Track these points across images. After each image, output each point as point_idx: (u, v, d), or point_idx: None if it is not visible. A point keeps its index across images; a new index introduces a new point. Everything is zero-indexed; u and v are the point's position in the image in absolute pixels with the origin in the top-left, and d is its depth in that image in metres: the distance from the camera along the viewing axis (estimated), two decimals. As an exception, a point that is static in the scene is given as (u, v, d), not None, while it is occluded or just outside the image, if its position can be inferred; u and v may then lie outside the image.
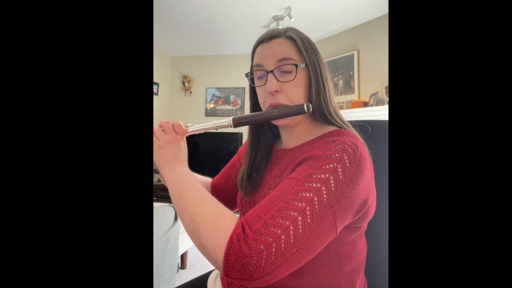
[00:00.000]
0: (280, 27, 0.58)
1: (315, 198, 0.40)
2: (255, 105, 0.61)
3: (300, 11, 2.46)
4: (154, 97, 3.53)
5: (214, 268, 0.68)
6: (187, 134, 0.55)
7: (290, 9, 2.41)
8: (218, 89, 3.63)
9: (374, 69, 2.55)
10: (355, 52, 2.69)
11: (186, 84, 3.69)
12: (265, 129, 0.62)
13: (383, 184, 0.62)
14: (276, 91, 0.52)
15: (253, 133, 0.62)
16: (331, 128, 0.53)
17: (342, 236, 0.48)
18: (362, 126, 0.60)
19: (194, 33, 3.00)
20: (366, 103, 2.49)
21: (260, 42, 0.56)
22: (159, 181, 3.17)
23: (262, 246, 0.37)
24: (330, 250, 0.48)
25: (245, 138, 3.27)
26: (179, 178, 0.47)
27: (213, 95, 3.65)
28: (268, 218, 0.39)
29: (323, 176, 0.42)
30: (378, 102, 2.38)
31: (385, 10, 2.44)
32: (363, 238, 0.55)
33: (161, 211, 1.24)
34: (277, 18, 2.58)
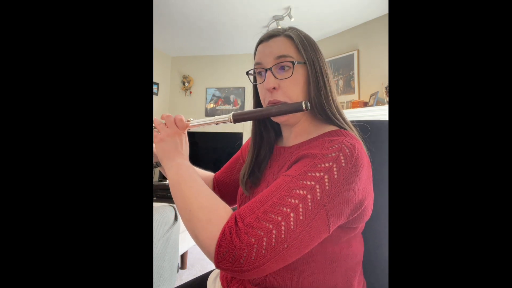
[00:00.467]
0: (280, 27, 0.59)
1: (309, 196, 0.41)
2: (257, 103, 0.62)
3: (300, 11, 2.46)
4: (154, 97, 3.53)
5: (214, 268, 0.68)
6: (189, 128, 0.56)
7: (290, 9, 2.42)
8: (218, 89, 3.63)
9: (374, 69, 2.55)
10: (355, 52, 2.69)
11: (186, 84, 3.69)
12: (267, 127, 0.63)
13: (382, 185, 0.62)
14: (274, 88, 0.53)
15: (256, 131, 0.63)
16: (331, 128, 0.53)
17: (337, 236, 0.48)
18: (362, 126, 0.60)
19: (194, 33, 3.00)
20: (366, 103, 2.49)
21: (260, 41, 0.57)
22: (159, 181, 3.18)
23: (253, 239, 0.38)
24: (325, 250, 0.48)
25: (245, 138, 3.27)
26: (178, 170, 0.49)
27: (213, 95, 3.65)
28: (260, 212, 0.40)
29: (317, 174, 0.42)
30: (378, 102, 2.38)
31: (385, 10, 2.44)
32: (360, 238, 0.56)
33: (161, 211, 1.24)
34: (277, 18, 2.58)
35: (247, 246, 0.38)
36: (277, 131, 0.65)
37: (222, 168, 0.77)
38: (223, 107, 3.61)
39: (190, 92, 3.71)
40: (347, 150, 0.43)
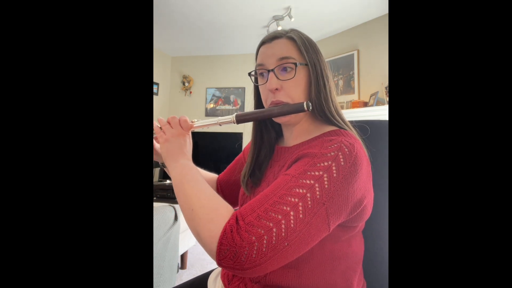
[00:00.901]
0: (279, 27, 0.60)
1: (308, 195, 0.41)
2: (258, 103, 0.63)
3: (300, 11, 2.46)
4: (154, 97, 3.53)
5: (214, 268, 0.68)
6: (193, 129, 0.57)
7: (290, 9, 2.41)
8: (218, 89, 3.63)
9: (374, 69, 2.55)
10: (355, 52, 2.69)
11: (186, 84, 3.69)
12: (268, 128, 0.64)
13: (382, 185, 0.62)
14: (276, 89, 0.54)
15: (256, 131, 0.64)
16: (331, 128, 0.54)
17: (337, 235, 0.49)
18: (362, 127, 0.60)
19: (194, 33, 3.00)
20: (366, 103, 2.49)
21: (262, 42, 0.58)
22: (159, 181, 3.18)
23: (254, 238, 0.38)
24: (325, 248, 0.49)
25: (245, 138, 3.27)
26: (182, 170, 0.50)
27: (213, 95, 3.65)
28: (261, 211, 0.41)
29: (317, 173, 0.43)
30: (378, 102, 2.38)
31: (385, 10, 2.43)
32: (360, 237, 0.56)
33: (161, 211, 1.24)
34: (277, 18, 2.58)
35: (248, 244, 0.38)
36: (278, 131, 0.65)
37: (225, 170, 0.78)
38: (223, 107, 3.61)
39: (190, 92, 3.71)
40: (346, 149, 0.44)
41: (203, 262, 1.97)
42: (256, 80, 0.60)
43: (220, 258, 0.39)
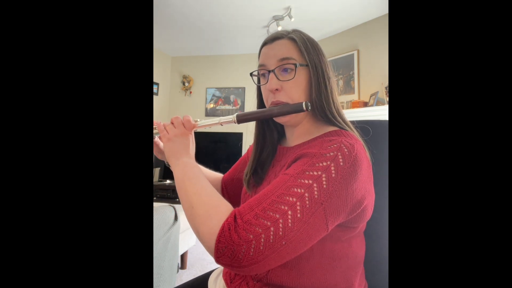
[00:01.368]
0: (279, 27, 0.60)
1: (306, 194, 0.41)
2: (261, 103, 0.63)
3: (300, 11, 2.46)
4: (154, 97, 3.53)
5: (214, 268, 0.68)
6: (196, 129, 0.58)
7: (290, 9, 2.41)
8: (218, 89, 3.63)
9: (374, 69, 2.55)
10: (355, 52, 2.69)
11: (186, 84, 3.69)
12: (271, 128, 0.65)
13: (383, 185, 0.62)
14: (276, 89, 0.54)
15: (259, 131, 0.64)
16: (332, 128, 0.54)
17: (337, 235, 0.49)
18: (364, 128, 0.60)
19: (194, 33, 3.00)
20: (366, 103, 2.49)
21: (265, 43, 0.59)
22: (159, 181, 3.18)
23: (251, 236, 0.39)
24: (325, 248, 0.49)
25: (245, 138, 3.27)
26: (184, 168, 0.51)
27: (213, 95, 3.65)
28: (259, 210, 0.41)
29: (315, 173, 0.43)
30: (378, 102, 2.38)
31: (385, 10, 2.43)
32: (361, 238, 0.56)
33: (161, 211, 1.24)
34: (277, 18, 2.58)
35: (245, 242, 0.39)
36: (280, 131, 0.66)
37: (229, 170, 0.78)
38: (223, 107, 3.61)
39: (190, 92, 3.71)
40: (345, 150, 0.44)
41: (203, 262, 1.97)
42: (258, 81, 0.60)
43: (218, 255, 0.40)
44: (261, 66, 0.57)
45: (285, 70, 0.54)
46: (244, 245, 0.38)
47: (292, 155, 0.52)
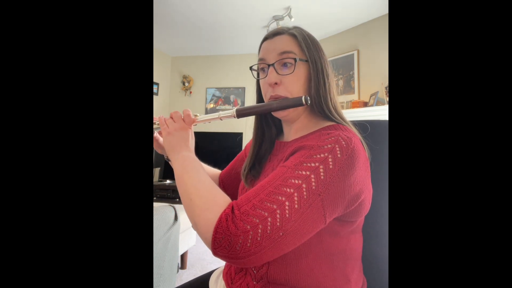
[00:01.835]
0: (280, 26, 0.61)
1: (304, 185, 0.41)
2: (260, 98, 0.64)
3: (300, 11, 2.46)
4: (154, 97, 3.53)
5: (215, 268, 0.68)
6: (195, 123, 0.58)
7: (290, 9, 2.41)
8: (218, 89, 3.63)
9: (374, 69, 2.55)
10: (355, 52, 2.69)
11: (186, 84, 3.69)
12: (269, 123, 0.65)
13: (382, 184, 0.62)
14: (275, 83, 0.55)
15: (258, 126, 0.65)
16: (329, 123, 0.54)
17: (335, 230, 0.49)
18: (361, 125, 0.60)
19: (194, 33, 3.00)
20: (366, 103, 2.49)
21: (265, 38, 0.59)
22: (159, 181, 3.18)
23: (248, 227, 0.39)
24: (324, 244, 0.49)
25: (245, 138, 3.27)
26: (183, 162, 0.51)
27: (213, 95, 3.65)
28: (256, 201, 0.41)
29: (313, 164, 0.43)
30: (378, 102, 2.38)
31: (385, 10, 2.43)
32: (359, 235, 0.56)
33: (161, 211, 1.24)
34: (277, 18, 2.58)
35: (243, 233, 0.39)
36: (278, 127, 0.66)
37: (227, 167, 0.79)
38: (223, 107, 3.61)
39: (190, 92, 3.71)
40: (343, 142, 0.44)
41: (203, 262, 1.97)
42: (257, 75, 0.61)
43: (215, 246, 0.40)
44: (260, 60, 0.57)
45: (285, 64, 0.54)
46: (241, 235, 0.38)
47: (290, 148, 0.52)
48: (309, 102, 0.51)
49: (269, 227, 0.39)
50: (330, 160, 0.43)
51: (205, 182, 0.47)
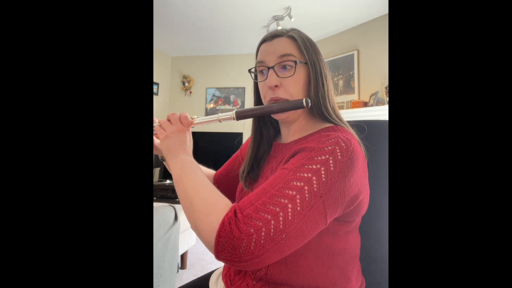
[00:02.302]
0: (279, 28, 0.61)
1: (306, 188, 0.42)
2: (258, 100, 0.64)
3: (300, 11, 2.46)
4: (154, 97, 3.53)
5: (215, 268, 0.68)
6: (193, 126, 0.58)
7: (290, 9, 2.41)
8: (218, 89, 3.63)
9: (374, 69, 2.55)
10: (355, 52, 2.69)
11: (186, 84, 3.69)
12: (267, 125, 0.65)
13: (381, 183, 0.62)
14: (276, 86, 0.54)
15: (256, 128, 0.65)
16: (328, 125, 0.55)
17: (334, 229, 0.49)
18: (359, 126, 0.60)
19: (194, 33, 3.00)
20: (366, 103, 2.49)
21: (263, 41, 0.59)
22: (159, 181, 3.18)
23: (252, 230, 0.39)
24: (323, 244, 0.49)
25: (245, 138, 3.26)
26: (182, 165, 0.51)
27: (213, 95, 3.65)
28: (259, 204, 0.41)
29: (314, 167, 0.43)
30: (378, 102, 2.38)
31: (385, 10, 2.43)
32: (357, 233, 0.56)
33: (161, 211, 1.24)
34: (277, 18, 2.58)
35: (246, 236, 0.39)
36: (276, 128, 0.66)
37: (222, 167, 0.78)
38: (223, 107, 3.61)
39: (190, 92, 3.71)
40: (343, 144, 0.45)
41: (203, 262, 1.97)
42: (256, 77, 0.61)
43: (218, 250, 0.39)
44: (259, 63, 0.57)
45: (284, 67, 0.54)
46: (245, 239, 0.38)
47: (289, 150, 0.52)
48: (309, 105, 0.51)
49: (272, 230, 0.39)
50: (331, 162, 0.43)
51: (206, 186, 0.47)
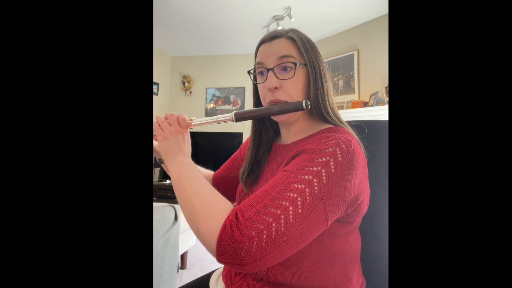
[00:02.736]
0: (279, 27, 0.60)
1: (307, 190, 0.42)
2: (257, 102, 0.63)
3: (300, 11, 2.46)
4: (154, 97, 3.53)
5: (215, 268, 0.68)
6: (191, 127, 0.57)
7: (290, 9, 2.41)
8: (218, 89, 3.63)
9: (374, 69, 2.55)
10: (355, 52, 2.69)
11: (186, 84, 3.69)
12: (267, 126, 0.65)
13: (381, 183, 0.62)
14: (275, 88, 0.54)
15: (255, 130, 0.64)
16: (327, 126, 0.54)
17: (335, 230, 0.49)
18: (359, 126, 0.60)
19: (194, 33, 3.00)
20: (366, 103, 2.49)
21: (262, 41, 0.58)
22: (159, 181, 3.18)
23: (253, 233, 0.39)
24: (324, 244, 0.49)
25: (245, 138, 3.27)
26: (181, 167, 0.50)
27: (213, 95, 3.65)
28: (260, 206, 0.41)
29: (315, 169, 0.43)
30: (378, 102, 2.38)
31: (385, 10, 2.43)
32: (357, 233, 0.56)
33: (161, 211, 1.23)
34: (277, 18, 2.58)
35: (248, 239, 0.38)
36: (275, 129, 0.66)
37: (221, 168, 0.78)
38: (223, 107, 3.61)
39: (190, 92, 3.71)
40: (343, 146, 0.45)
41: (203, 262, 1.97)
42: (255, 79, 0.60)
43: (220, 253, 0.39)
44: (258, 64, 0.57)
45: (284, 68, 0.54)
46: (246, 242, 0.38)
47: (290, 152, 0.52)
48: (309, 107, 0.51)
49: (273, 233, 0.39)
50: (332, 163, 0.43)
51: (206, 188, 0.46)
